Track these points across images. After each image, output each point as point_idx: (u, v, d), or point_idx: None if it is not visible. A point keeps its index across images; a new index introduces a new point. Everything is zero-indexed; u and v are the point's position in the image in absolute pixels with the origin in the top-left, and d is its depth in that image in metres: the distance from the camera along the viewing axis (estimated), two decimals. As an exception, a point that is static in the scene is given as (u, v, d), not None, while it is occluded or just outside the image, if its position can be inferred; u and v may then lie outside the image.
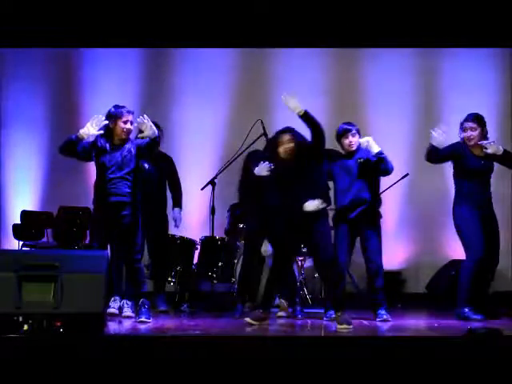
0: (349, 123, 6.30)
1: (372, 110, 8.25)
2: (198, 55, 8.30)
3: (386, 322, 5.93)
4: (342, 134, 6.25)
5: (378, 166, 6.13)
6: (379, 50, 8.03)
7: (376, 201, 6.20)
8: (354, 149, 6.22)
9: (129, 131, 5.89)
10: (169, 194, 6.98)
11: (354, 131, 6.24)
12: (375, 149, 6.12)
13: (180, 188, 7.01)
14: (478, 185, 6.17)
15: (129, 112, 5.89)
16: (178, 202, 6.98)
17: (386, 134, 8.04)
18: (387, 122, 8.02)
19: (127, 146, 5.88)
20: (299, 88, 8.13)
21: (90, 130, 5.78)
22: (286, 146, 5.72)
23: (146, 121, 5.77)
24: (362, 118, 7.76)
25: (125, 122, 5.85)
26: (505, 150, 6.05)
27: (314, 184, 5.75)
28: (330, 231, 5.94)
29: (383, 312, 6.05)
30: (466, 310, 5.96)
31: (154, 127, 5.83)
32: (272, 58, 8.37)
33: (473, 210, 6.11)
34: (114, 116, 5.88)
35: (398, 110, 8.23)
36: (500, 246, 6.25)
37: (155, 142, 5.88)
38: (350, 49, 8.15)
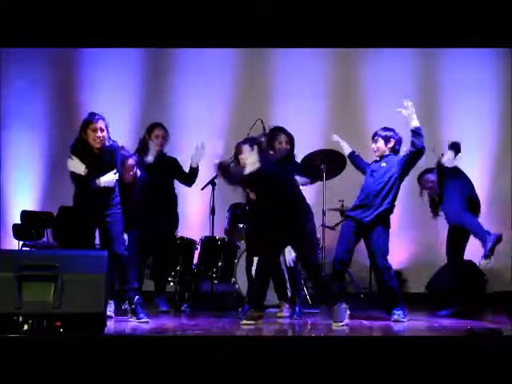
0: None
1: (372, 110, 8.24)
2: (198, 55, 8.30)
3: (385, 322, 5.97)
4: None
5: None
6: (379, 49, 8.03)
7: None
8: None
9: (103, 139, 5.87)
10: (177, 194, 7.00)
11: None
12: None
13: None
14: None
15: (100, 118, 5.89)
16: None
17: (386, 133, 8.03)
18: (387, 122, 8.00)
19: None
20: (299, 88, 8.23)
21: None
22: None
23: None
24: (362, 118, 7.76)
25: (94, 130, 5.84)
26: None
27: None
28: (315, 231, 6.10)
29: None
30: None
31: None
32: (272, 58, 8.37)
33: None
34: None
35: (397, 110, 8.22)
36: None
37: None
38: (350, 49, 8.15)
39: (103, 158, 5.84)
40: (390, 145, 6.27)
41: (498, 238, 6.09)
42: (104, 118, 5.87)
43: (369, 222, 6.16)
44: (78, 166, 5.76)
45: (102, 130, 5.81)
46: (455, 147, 6.34)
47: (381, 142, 6.27)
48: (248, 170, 5.84)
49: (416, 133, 6.09)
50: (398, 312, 6.05)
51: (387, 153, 6.27)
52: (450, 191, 6.46)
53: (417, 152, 6.09)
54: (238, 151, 5.97)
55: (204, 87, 8.36)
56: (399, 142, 6.30)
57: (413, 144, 6.10)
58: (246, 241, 6.78)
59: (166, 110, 8.32)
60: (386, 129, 6.32)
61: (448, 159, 6.33)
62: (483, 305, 6.31)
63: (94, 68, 8.45)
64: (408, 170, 6.24)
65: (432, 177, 6.65)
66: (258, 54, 8.34)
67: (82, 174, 5.75)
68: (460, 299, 6.51)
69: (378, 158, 6.32)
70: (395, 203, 6.27)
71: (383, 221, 6.19)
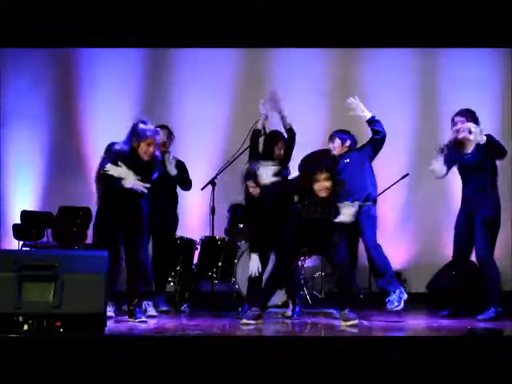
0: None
1: (371, 110, 8.23)
2: (198, 55, 8.29)
3: (385, 322, 5.98)
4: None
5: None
6: (379, 49, 8.03)
7: None
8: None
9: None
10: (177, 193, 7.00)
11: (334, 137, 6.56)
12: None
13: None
14: (465, 183, 6.26)
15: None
16: None
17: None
18: (387, 122, 8.00)
19: None
20: (299, 88, 8.22)
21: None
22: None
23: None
24: (361, 118, 7.75)
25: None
26: (488, 139, 5.99)
27: None
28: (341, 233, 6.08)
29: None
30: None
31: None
32: (272, 58, 8.36)
33: (461, 207, 6.28)
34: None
35: (397, 109, 8.21)
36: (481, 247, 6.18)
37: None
38: (350, 49, 8.15)
39: (147, 167, 5.87)
40: (347, 144, 6.53)
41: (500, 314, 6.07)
42: (159, 131, 5.98)
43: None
44: (124, 173, 5.76)
45: (155, 146, 5.86)
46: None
47: (338, 142, 6.54)
48: (341, 219, 5.90)
49: (373, 121, 6.40)
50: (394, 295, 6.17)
51: (345, 150, 6.49)
52: (484, 235, 6.15)
53: (382, 139, 6.40)
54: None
55: (203, 87, 8.35)
56: (355, 142, 6.57)
57: (376, 132, 6.40)
58: (249, 239, 6.66)
59: (165, 110, 8.30)
60: (342, 131, 6.61)
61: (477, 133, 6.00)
62: (483, 305, 6.28)
63: (94, 67, 8.44)
64: (375, 156, 6.48)
65: (461, 118, 6.24)
66: (257, 53, 8.33)
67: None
68: (460, 299, 6.51)
69: (338, 158, 6.49)
70: (379, 192, 6.59)
71: (367, 210, 6.30)
